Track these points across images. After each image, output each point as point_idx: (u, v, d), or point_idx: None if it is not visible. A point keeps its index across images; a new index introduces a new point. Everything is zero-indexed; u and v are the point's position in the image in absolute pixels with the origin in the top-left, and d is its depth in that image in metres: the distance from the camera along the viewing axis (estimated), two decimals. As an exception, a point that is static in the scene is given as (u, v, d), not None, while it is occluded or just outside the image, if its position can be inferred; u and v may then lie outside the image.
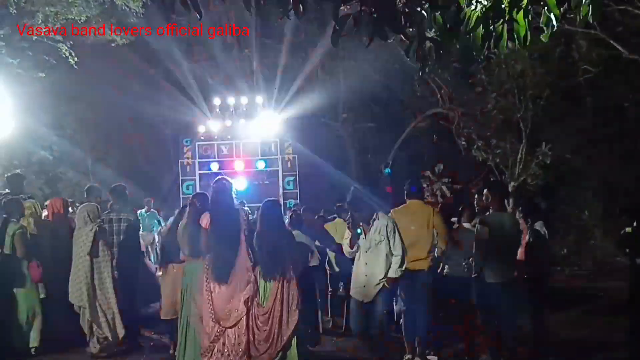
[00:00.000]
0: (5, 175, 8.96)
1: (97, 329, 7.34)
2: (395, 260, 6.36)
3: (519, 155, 16.26)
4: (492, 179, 16.14)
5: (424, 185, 17.61)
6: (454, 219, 7.96)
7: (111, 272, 7.49)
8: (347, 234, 6.66)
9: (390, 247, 6.39)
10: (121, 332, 7.48)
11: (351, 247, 6.59)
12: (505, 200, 7.83)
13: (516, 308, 6.98)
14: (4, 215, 7.50)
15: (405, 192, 7.28)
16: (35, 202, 8.39)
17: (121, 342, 7.57)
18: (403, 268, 6.44)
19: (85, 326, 7.36)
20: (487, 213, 7.05)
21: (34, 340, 7.40)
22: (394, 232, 6.42)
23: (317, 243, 8.42)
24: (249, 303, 6.14)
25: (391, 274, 6.38)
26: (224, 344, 6.05)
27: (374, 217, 6.53)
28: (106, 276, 7.42)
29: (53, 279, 7.65)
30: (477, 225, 7.01)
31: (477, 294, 6.93)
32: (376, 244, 6.40)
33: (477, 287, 6.88)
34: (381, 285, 6.41)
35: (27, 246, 7.41)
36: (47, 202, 8.80)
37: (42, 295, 7.52)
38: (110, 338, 7.37)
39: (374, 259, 6.42)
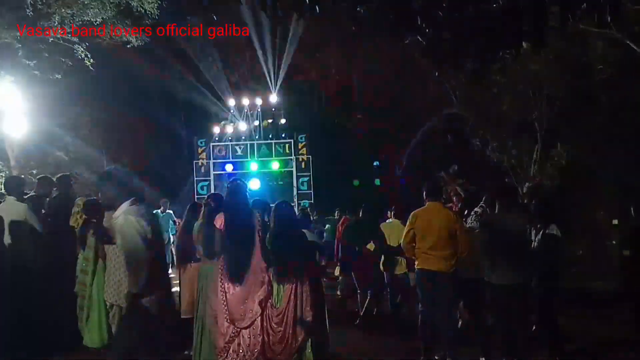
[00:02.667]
0: (56, 177, 8.99)
1: None
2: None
3: (534, 156, 16.17)
4: (506, 180, 16.06)
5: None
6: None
7: None
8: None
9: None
10: None
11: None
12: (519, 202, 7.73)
13: (526, 310, 6.91)
14: (85, 217, 7.57)
15: (424, 193, 7.06)
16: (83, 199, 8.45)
17: None
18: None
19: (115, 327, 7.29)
20: (490, 214, 6.98)
21: None
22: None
23: None
24: (264, 304, 6.14)
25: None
26: (239, 344, 6.04)
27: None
28: None
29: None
30: (479, 227, 6.95)
31: (487, 296, 6.88)
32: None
33: (486, 289, 6.80)
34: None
35: None
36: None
37: None
38: None
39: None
